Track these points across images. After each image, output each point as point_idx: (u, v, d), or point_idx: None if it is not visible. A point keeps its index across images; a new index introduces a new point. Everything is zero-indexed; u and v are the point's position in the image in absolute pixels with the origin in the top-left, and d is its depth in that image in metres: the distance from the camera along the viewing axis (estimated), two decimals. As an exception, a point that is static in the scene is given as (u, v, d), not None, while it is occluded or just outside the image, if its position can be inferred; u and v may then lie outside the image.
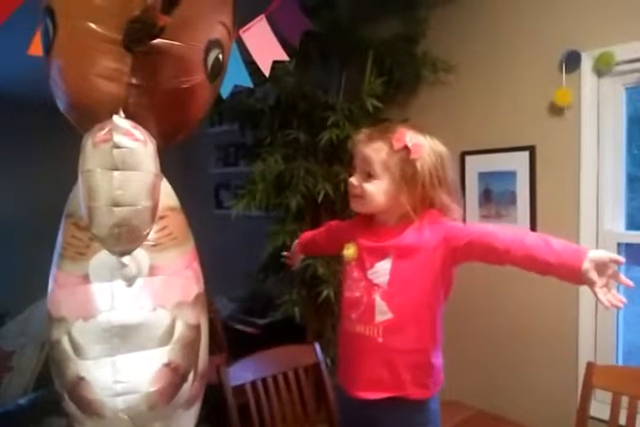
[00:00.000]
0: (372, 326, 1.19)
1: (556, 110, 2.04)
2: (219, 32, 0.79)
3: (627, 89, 1.95)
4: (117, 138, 0.71)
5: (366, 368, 1.21)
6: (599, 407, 1.64)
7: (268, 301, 3.16)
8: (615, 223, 1.96)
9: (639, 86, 1.93)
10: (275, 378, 1.65)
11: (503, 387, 2.20)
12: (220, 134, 3.56)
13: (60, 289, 0.80)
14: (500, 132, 2.22)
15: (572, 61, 1.99)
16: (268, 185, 2.18)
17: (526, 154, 2.13)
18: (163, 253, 0.82)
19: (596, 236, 1.96)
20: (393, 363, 1.19)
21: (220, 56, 0.81)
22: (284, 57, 1.70)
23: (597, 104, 1.96)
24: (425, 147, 1.19)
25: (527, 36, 2.12)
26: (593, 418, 1.62)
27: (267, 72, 1.66)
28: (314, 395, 1.74)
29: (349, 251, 1.27)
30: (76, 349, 0.77)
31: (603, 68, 1.92)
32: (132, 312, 0.78)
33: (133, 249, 0.76)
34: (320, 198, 2.15)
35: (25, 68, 2.13)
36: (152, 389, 0.79)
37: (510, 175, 2.18)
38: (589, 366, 1.55)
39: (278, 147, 2.24)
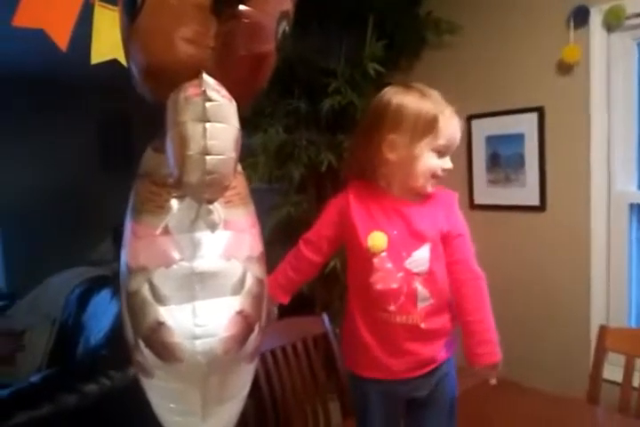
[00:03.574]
0: (415, 314, 1.15)
1: (564, 69, 1.98)
2: (287, 4, 0.82)
3: (638, 44, 1.87)
4: (209, 92, 0.73)
5: (409, 353, 1.18)
6: (612, 370, 1.62)
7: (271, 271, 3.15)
8: (627, 184, 1.91)
9: (652, 40, 1.86)
10: (284, 349, 1.64)
11: (513, 350, 2.18)
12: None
13: (140, 240, 0.84)
14: (507, 94, 2.15)
15: (580, 16, 1.91)
16: (269, 157, 2.13)
17: (535, 116, 2.07)
18: (233, 210, 0.87)
19: (608, 197, 1.91)
20: (434, 342, 1.19)
21: (287, 28, 0.84)
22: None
23: (607, 61, 1.89)
24: None
25: (533, -9, 2.03)
26: (606, 381, 1.60)
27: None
28: (323, 365, 1.74)
29: (378, 242, 1.14)
30: (157, 295, 0.81)
31: (613, 22, 1.84)
32: (211, 260, 0.82)
33: (218, 198, 0.80)
34: (324, 168, 2.11)
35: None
36: (227, 334, 0.83)
37: (518, 138, 2.13)
38: (602, 328, 1.53)
39: (279, 117, 2.18)
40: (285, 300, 1.28)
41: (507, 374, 2.06)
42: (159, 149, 0.84)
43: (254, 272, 0.89)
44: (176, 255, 0.81)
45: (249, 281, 0.87)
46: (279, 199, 2.27)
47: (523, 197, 2.10)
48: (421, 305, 1.14)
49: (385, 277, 1.15)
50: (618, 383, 1.56)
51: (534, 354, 2.13)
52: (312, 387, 1.69)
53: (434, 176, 1.14)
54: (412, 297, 1.14)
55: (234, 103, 0.78)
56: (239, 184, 0.90)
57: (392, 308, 1.15)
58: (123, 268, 0.88)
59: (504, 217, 2.15)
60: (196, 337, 0.82)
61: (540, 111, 2.06)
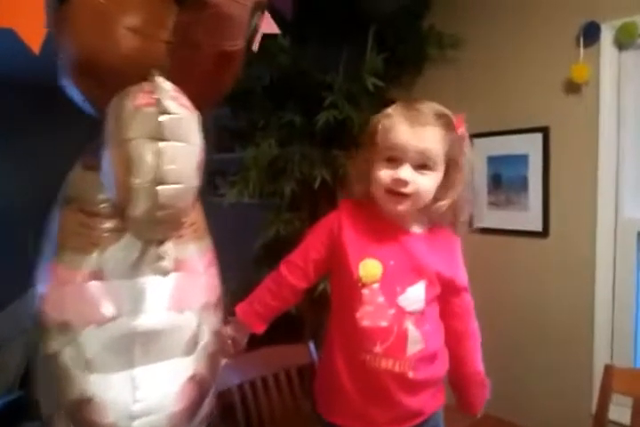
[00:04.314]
0: (403, 360, 1.02)
1: (572, 88, 1.88)
2: None
3: (651, 64, 1.78)
4: (166, 102, 0.58)
5: (394, 404, 1.06)
6: (618, 410, 1.51)
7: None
8: (636, 211, 1.80)
9: (665, 60, 1.76)
10: (264, 380, 1.53)
11: (510, 386, 2.07)
12: (215, 118, 3.40)
13: (63, 287, 0.66)
14: (511, 113, 2.06)
15: (590, 34, 1.82)
16: (261, 171, 2.04)
17: (539, 136, 1.97)
18: (188, 246, 0.72)
19: (615, 225, 1.81)
20: (421, 394, 1.08)
21: (258, 21, 0.69)
22: (274, 30, 1.54)
23: (618, 81, 1.80)
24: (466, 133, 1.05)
25: (541, 6, 1.95)
26: (612, 422, 1.48)
27: (255, 47, 1.50)
28: (307, 398, 1.62)
29: (372, 271, 1.02)
30: (84, 361, 0.64)
31: (624, 40, 1.75)
32: (158, 315, 0.67)
33: (171, 237, 0.66)
34: (317, 184, 2.01)
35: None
36: (176, 408, 0.68)
37: (522, 159, 2.03)
38: (608, 368, 1.42)
39: (273, 130, 2.09)
40: (261, 329, 1.14)
41: (501, 413, 1.95)
42: (92, 166, 0.67)
43: (211, 324, 0.74)
44: (112, 310, 0.64)
45: (205, 336, 0.72)
46: (269, 216, 2.16)
47: (525, 221, 1.99)
48: (411, 350, 1.02)
49: (374, 313, 1.02)
50: (624, 425, 1.45)
51: (532, 391, 2.01)
52: (294, 422, 1.57)
53: (390, 191, 1.00)
54: (403, 339, 1.02)
55: (195, 115, 0.63)
56: (196, 214, 0.75)
57: (378, 349, 1.02)
58: (36, 319, 0.69)
59: (504, 242, 2.04)
60: (134, 416, 0.64)
61: (545, 132, 1.96)
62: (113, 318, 0.64)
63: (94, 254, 0.65)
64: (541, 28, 1.96)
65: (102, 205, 0.65)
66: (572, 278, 1.89)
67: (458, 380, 1.15)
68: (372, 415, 1.07)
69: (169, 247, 0.66)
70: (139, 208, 0.58)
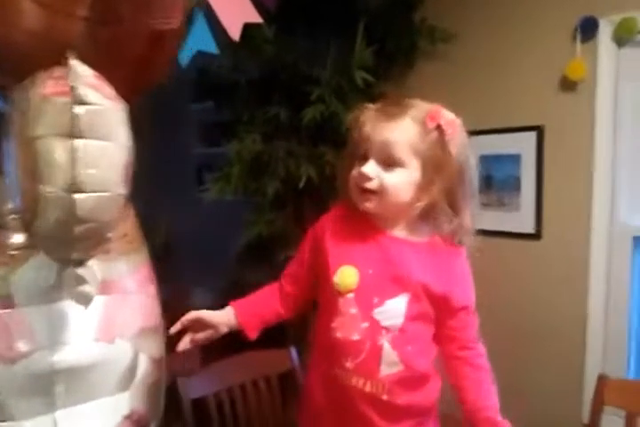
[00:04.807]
0: (376, 380, 0.94)
1: (567, 85, 1.82)
2: None
3: (650, 62, 1.71)
4: (82, 90, 0.47)
5: None
6: (610, 420, 1.45)
7: (248, 292, 2.96)
8: (632, 215, 1.75)
9: (664, 58, 1.70)
10: (243, 387, 1.46)
11: (501, 396, 2.01)
12: (203, 112, 3.32)
13: None
14: (504, 110, 1.99)
15: (587, 29, 1.77)
16: (244, 167, 1.95)
17: (533, 135, 1.91)
18: (118, 263, 0.62)
19: (610, 229, 1.76)
20: (403, 422, 0.98)
21: None
22: (256, 19, 1.46)
23: (616, 78, 1.74)
24: (458, 126, 0.95)
25: (537, 0, 1.88)
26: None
27: (236, 37, 1.41)
28: (288, 406, 1.55)
29: (347, 279, 0.95)
30: None
31: (623, 36, 1.70)
32: (85, 347, 0.57)
33: (92, 256, 0.54)
34: (302, 183, 1.93)
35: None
36: None
37: (514, 159, 1.97)
38: (601, 379, 1.35)
39: (257, 125, 2.01)
40: (254, 336, 1.09)
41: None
42: None
43: (150, 350, 0.64)
44: (25, 343, 0.53)
45: (143, 366, 0.62)
46: (252, 216, 2.08)
47: (517, 223, 1.93)
48: (386, 371, 0.94)
49: (346, 325, 0.95)
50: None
51: (523, 398, 1.95)
52: (274, 430, 1.50)
53: (360, 188, 0.94)
54: (375, 357, 0.94)
55: (121, 107, 0.52)
56: (128, 224, 0.64)
57: (349, 365, 0.95)
58: None
59: (495, 244, 1.97)
60: None
61: (539, 130, 1.90)
62: (26, 354, 0.53)
63: (2, 276, 0.54)
64: (537, 22, 1.89)
65: (10, 217, 0.53)
66: (564, 283, 1.84)
67: (463, 418, 1.00)
68: None
69: (92, 268, 0.54)
70: (48, 221, 0.47)
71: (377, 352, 0.93)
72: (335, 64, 1.99)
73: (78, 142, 0.46)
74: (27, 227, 0.49)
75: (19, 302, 0.53)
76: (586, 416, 1.61)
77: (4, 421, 0.53)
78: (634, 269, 1.73)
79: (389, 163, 0.92)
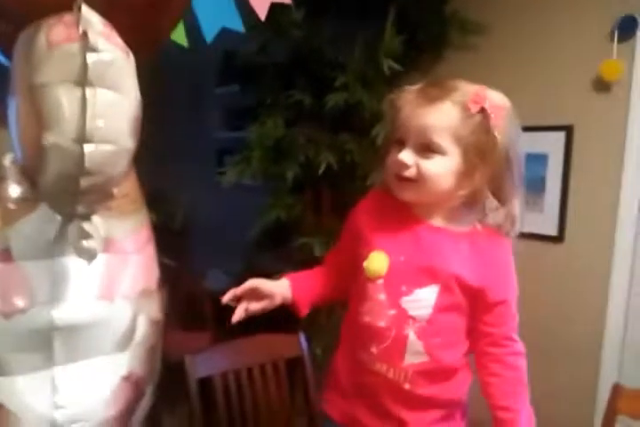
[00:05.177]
0: (399, 368, 0.93)
1: (601, 85, 1.77)
2: None
3: (688, 65, 1.66)
4: (94, 37, 0.45)
5: (389, 416, 0.96)
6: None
7: (264, 277, 2.95)
8: (659, 220, 1.70)
9: None
10: (250, 371, 1.44)
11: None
12: (227, 95, 3.31)
13: None
14: (533, 108, 1.94)
15: (626, 28, 1.71)
16: (264, 152, 1.93)
17: (562, 135, 1.86)
18: (119, 222, 0.60)
19: (636, 235, 1.70)
20: (423, 412, 0.96)
21: None
22: (285, 0, 1.43)
23: (653, 80, 1.68)
24: (504, 109, 0.89)
25: (576, -3, 1.83)
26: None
27: (262, 16, 1.38)
28: (294, 393, 1.54)
29: (377, 264, 0.92)
30: None
31: (663, 37, 1.64)
32: (83, 305, 0.55)
33: (97, 211, 0.53)
34: (321, 170, 1.91)
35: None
36: (108, 413, 0.57)
37: (541, 159, 1.92)
38: (616, 388, 1.32)
39: (280, 109, 1.98)
40: (305, 313, 1.09)
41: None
42: None
43: (150, 312, 0.62)
44: (24, 298, 0.51)
45: (142, 327, 0.61)
46: (270, 200, 2.07)
47: (539, 224, 1.89)
48: (410, 360, 0.92)
49: (374, 310, 0.93)
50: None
51: (535, 404, 1.91)
52: (278, 416, 1.49)
53: (397, 176, 0.90)
54: (400, 346, 0.91)
55: (131, 58, 0.49)
56: (130, 183, 0.62)
57: (374, 350, 0.93)
58: None
59: (517, 245, 1.94)
60: (56, 426, 0.53)
61: (568, 130, 1.85)
62: (24, 309, 0.52)
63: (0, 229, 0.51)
64: (574, 19, 1.84)
65: (10, 168, 0.51)
66: (584, 288, 1.79)
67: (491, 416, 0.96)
68: (358, 416, 0.99)
69: (96, 223, 0.52)
70: (54, 173, 0.45)
71: (402, 341, 0.91)
72: (362, 51, 1.96)
73: (88, 91, 0.44)
74: (29, 178, 0.47)
75: (17, 256, 0.52)
76: (598, 425, 1.58)
77: (4, 376, 0.52)
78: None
79: (428, 150, 0.88)
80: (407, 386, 0.93)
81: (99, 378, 0.57)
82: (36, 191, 0.49)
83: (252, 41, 1.98)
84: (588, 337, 1.77)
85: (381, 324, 0.92)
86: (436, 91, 0.89)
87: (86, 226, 0.52)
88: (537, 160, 1.93)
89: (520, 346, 0.96)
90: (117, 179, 0.48)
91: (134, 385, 0.60)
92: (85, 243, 0.52)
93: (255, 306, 1.02)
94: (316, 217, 2.05)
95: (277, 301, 1.04)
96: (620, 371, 1.70)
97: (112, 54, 0.46)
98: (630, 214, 1.70)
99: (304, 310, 1.08)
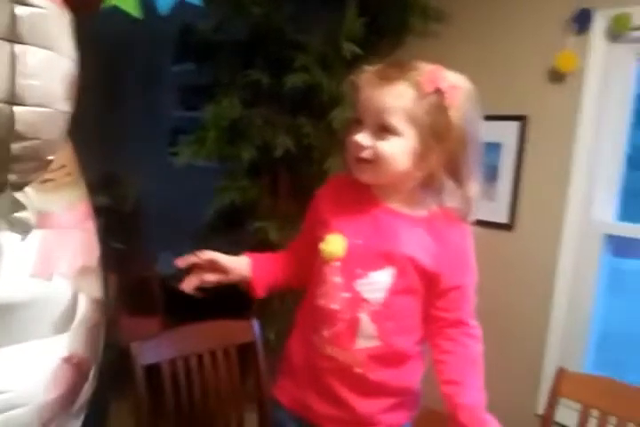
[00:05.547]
0: (350, 352, 0.92)
1: (556, 77, 1.80)
2: None
3: (639, 60, 1.70)
4: None
5: (339, 401, 0.94)
6: (564, 412, 1.46)
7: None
8: (606, 212, 1.75)
9: (655, 59, 1.70)
10: (200, 358, 1.41)
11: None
12: (183, 73, 3.20)
13: None
14: (489, 97, 1.91)
15: (582, 21, 1.74)
16: (220, 132, 1.88)
17: (516, 124, 1.89)
18: (55, 196, 0.56)
19: (583, 225, 1.75)
20: (373, 399, 0.95)
21: None
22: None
23: (604, 73, 1.72)
24: (461, 88, 0.89)
25: (535, -13, 1.85)
26: (558, 424, 1.45)
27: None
28: (245, 379, 1.51)
29: (333, 246, 0.91)
30: None
31: (617, 31, 1.68)
32: (16, 284, 0.52)
33: (32, 181, 0.49)
34: (279, 153, 1.87)
35: None
36: (48, 397, 0.54)
37: (495, 148, 1.95)
38: (560, 372, 1.36)
39: (237, 89, 1.93)
40: (261, 295, 1.06)
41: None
42: None
43: (91, 290, 0.59)
44: None
45: (82, 306, 0.58)
46: (225, 182, 2.02)
47: (491, 212, 1.92)
48: (362, 344, 0.91)
49: (327, 293, 0.93)
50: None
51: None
52: (229, 404, 1.46)
53: (355, 157, 0.89)
54: (352, 329, 0.91)
55: (67, 15, 0.45)
56: (63, 153, 0.57)
57: (326, 333, 0.92)
58: None
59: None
60: None
61: (522, 120, 1.88)
62: None
63: None
64: (532, 10, 1.86)
65: None
66: (532, 275, 1.84)
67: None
68: (308, 402, 0.98)
69: (31, 197, 0.48)
70: None
71: (354, 324, 0.91)
72: (323, 32, 1.93)
73: (18, 48, 0.40)
74: None
75: None
76: (540, 407, 1.64)
77: None
78: (602, 266, 1.74)
79: (384, 130, 0.87)
80: (358, 370, 0.92)
81: (37, 360, 0.54)
82: None
83: (210, 17, 1.91)
84: (534, 322, 1.83)
85: (335, 306, 0.91)
86: (393, 71, 0.88)
87: (20, 197, 0.48)
88: (490, 149, 1.95)
89: (475, 330, 0.96)
90: (52, 145, 0.44)
91: (76, 367, 0.57)
92: (19, 215, 0.49)
93: (209, 277, 1.01)
94: (272, 201, 2.02)
95: (234, 276, 1.03)
96: (564, 355, 1.76)
97: (45, 9, 0.42)
98: (578, 204, 1.75)
99: (260, 292, 1.06)
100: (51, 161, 0.47)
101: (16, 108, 0.40)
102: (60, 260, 0.55)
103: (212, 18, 1.93)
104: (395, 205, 0.93)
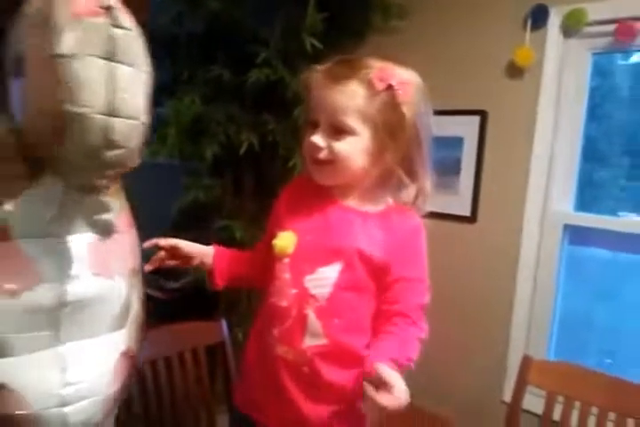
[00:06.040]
0: (299, 350, 0.90)
1: (514, 71, 1.84)
2: None
3: (593, 55, 1.75)
4: (117, 12, 0.47)
5: (288, 402, 0.92)
6: (531, 399, 1.50)
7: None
8: (564, 203, 1.80)
9: (607, 53, 1.75)
10: (168, 360, 1.38)
11: (426, 373, 2.04)
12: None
13: None
14: (449, 92, 1.98)
15: (538, 17, 1.78)
16: (181, 129, 1.84)
17: (477, 119, 1.92)
18: (113, 199, 0.61)
19: (542, 215, 1.80)
20: (325, 403, 0.92)
21: None
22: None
23: (561, 68, 1.77)
24: (412, 84, 0.89)
25: (492, -17, 1.87)
26: (525, 411, 1.48)
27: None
28: (215, 381, 1.49)
29: (284, 242, 0.91)
30: None
31: (572, 26, 1.72)
32: (87, 282, 0.56)
33: (110, 186, 0.56)
34: (242, 150, 1.85)
35: None
36: (111, 389, 0.59)
37: (457, 142, 1.97)
38: (525, 360, 1.40)
39: (197, 85, 1.89)
40: (220, 285, 1.07)
41: (415, 400, 1.90)
42: None
43: (139, 291, 0.65)
44: (30, 275, 0.51)
45: (134, 306, 0.63)
46: (188, 180, 1.98)
47: (454, 205, 1.95)
48: (309, 342, 0.89)
49: (278, 290, 0.92)
50: (536, 415, 1.45)
51: (446, 377, 2.00)
52: (198, 407, 1.44)
53: (311, 158, 0.89)
54: (300, 326, 0.89)
55: (140, 35, 0.53)
56: None
57: (276, 332, 0.91)
58: None
59: (431, 225, 1.99)
60: (65, 403, 0.53)
61: (482, 115, 1.91)
62: (30, 286, 0.51)
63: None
64: (489, 6, 1.89)
65: (5, 143, 0.50)
66: (495, 266, 1.88)
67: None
68: (262, 404, 0.97)
69: (111, 200, 0.54)
70: (78, 144, 0.45)
71: (302, 321, 0.89)
72: (284, 27, 1.90)
73: (114, 66, 0.47)
74: (31, 155, 0.46)
75: (16, 234, 0.52)
76: (507, 395, 1.68)
77: (3, 357, 0.51)
78: (562, 255, 1.79)
79: (339, 130, 0.87)
80: (306, 369, 0.90)
81: (103, 354, 0.59)
82: (33, 168, 0.49)
83: (167, 10, 1.86)
84: (499, 311, 1.87)
85: (284, 303, 0.91)
86: (343, 70, 0.88)
87: (105, 200, 0.55)
88: (453, 143, 1.98)
89: (420, 324, 0.92)
90: (135, 154, 0.50)
91: (131, 361, 0.62)
92: (105, 216, 0.55)
93: (171, 262, 1.05)
94: (236, 199, 1.99)
95: (195, 261, 1.05)
96: (528, 343, 1.81)
97: (131, 30, 0.49)
98: (538, 196, 1.79)
99: (220, 281, 1.06)
100: (130, 168, 0.51)
101: (113, 120, 0.46)
102: (118, 260, 0.60)
103: (168, 11, 1.87)
104: (350, 203, 0.93)
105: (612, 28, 1.63)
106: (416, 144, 0.90)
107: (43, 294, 0.53)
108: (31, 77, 0.47)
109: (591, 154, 1.82)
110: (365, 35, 2.13)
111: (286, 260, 0.91)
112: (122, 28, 0.49)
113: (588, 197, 1.84)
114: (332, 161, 0.88)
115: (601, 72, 1.81)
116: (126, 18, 0.49)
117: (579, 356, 1.83)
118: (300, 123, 1.74)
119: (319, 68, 0.91)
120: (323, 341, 0.90)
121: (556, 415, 1.36)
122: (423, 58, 2.00)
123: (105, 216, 0.56)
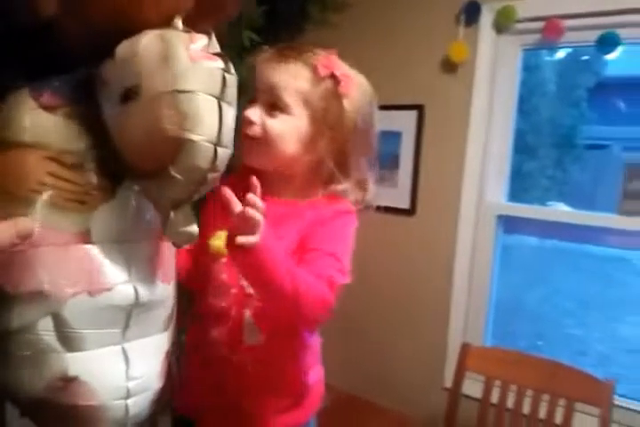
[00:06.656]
0: (240, 350, 0.89)
1: (449, 67, 1.88)
2: None
3: (524, 51, 1.82)
4: (226, 59, 0.59)
5: (225, 402, 0.92)
6: (470, 384, 1.56)
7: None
8: (497, 195, 1.87)
9: (537, 49, 1.82)
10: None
11: (368, 365, 2.08)
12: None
13: (36, 249, 0.57)
14: (388, 87, 1.98)
15: (471, 13, 1.82)
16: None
17: (414, 114, 1.95)
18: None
19: (477, 207, 1.86)
20: (260, 397, 0.92)
21: None
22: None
23: (493, 64, 1.82)
24: (355, 81, 0.91)
25: (427, -21, 1.90)
26: (465, 396, 1.53)
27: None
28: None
29: (219, 242, 0.88)
30: (67, 336, 0.58)
31: (502, 23, 1.77)
32: (156, 285, 0.65)
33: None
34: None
35: None
36: (159, 385, 0.66)
37: (396, 136, 2.00)
38: (464, 347, 1.45)
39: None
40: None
41: (353, 391, 1.93)
42: (52, 107, 0.59)
43: (176, 296, 0.71)
44: (108, 277, 0.58)
45: (175, 310, 0.70)
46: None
47: (394, 199, 1.98)
48: (249, 341, 0.89)
49: (217, 291, 0.91)
50: (476, 399, 1.51)
51: (387, 367, 2.04)
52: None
53: (243, 135, 0.87)
54: (239, 326, 0.89)
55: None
56: None
57: (216, 333, 0.90)
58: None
59: (372, 218, 2.02)
60: (129, 395, 0.60)
61: (419, 109, 1.94)
62: (109, 287, 0.59)
63: (79, 214, 0.58)
64: (426, 2, 1.92)
65: (87, 157, 0.58)
66: (433, 257, 1.93)
67: None
68: (209, 409, 0.94)
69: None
70: (187, 166, 0.55)
71: (240, 321, 0.89)
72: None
73: (223, 103, 0.57)
74: (123, 169, 0.57)
75: (96, 238, 0.59)
76: (447, 381, 1.73)
77: (72, 351, 0.57)
78: (496, 245, 1.86)
79: (275, 108, 0.87)
80: (248, 368, 0.90)
81: (155, 352, 0.65)
82: (113, 181, 0.59)
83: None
84: (438, 301, 1.92)
85: (223, 304, 0.90)
86: (290, 52, 0.89)
87: (191, 213, 0.62)
88: (392, 138, 2.00)
89: (328, 300, 0.83)
90: (219, 177, 0.59)
91: (169, 361, 0.69)
92: (189, 228, 0.62)
93: None
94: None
95: None
96: (465, 330, 1.87)
97: (234, 75, 0.59)
98: (473, 188, 1.85)
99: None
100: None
101: (219, 149, 0.56)
102: (172, 266, 0.69)
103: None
104: (284, 197, 0.92)
105: (540, 25, 1.69)
106: (353, 141, 0.90)
107: (119, 295, 0.60)
108: (146, 107, 0.55)
109: (519, 145, 1.89)
110: (303, 27, 2.12)
111: (223, 260, 0.90)
112: (230, 73, 0.58)
113: (518, 187, 1.92)
114: (263, 139, 0.87)
115: (528, 67, 1.88)
116: (231, 64, 0.59)
117: (513, 339, 1.91)
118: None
119: (267, 49, 0.92)
120: (260, 340, 0.89)
121: (494, 399, 1.42)
122: (361, 52, 2.00)
123: (189, 228, 0.62)
